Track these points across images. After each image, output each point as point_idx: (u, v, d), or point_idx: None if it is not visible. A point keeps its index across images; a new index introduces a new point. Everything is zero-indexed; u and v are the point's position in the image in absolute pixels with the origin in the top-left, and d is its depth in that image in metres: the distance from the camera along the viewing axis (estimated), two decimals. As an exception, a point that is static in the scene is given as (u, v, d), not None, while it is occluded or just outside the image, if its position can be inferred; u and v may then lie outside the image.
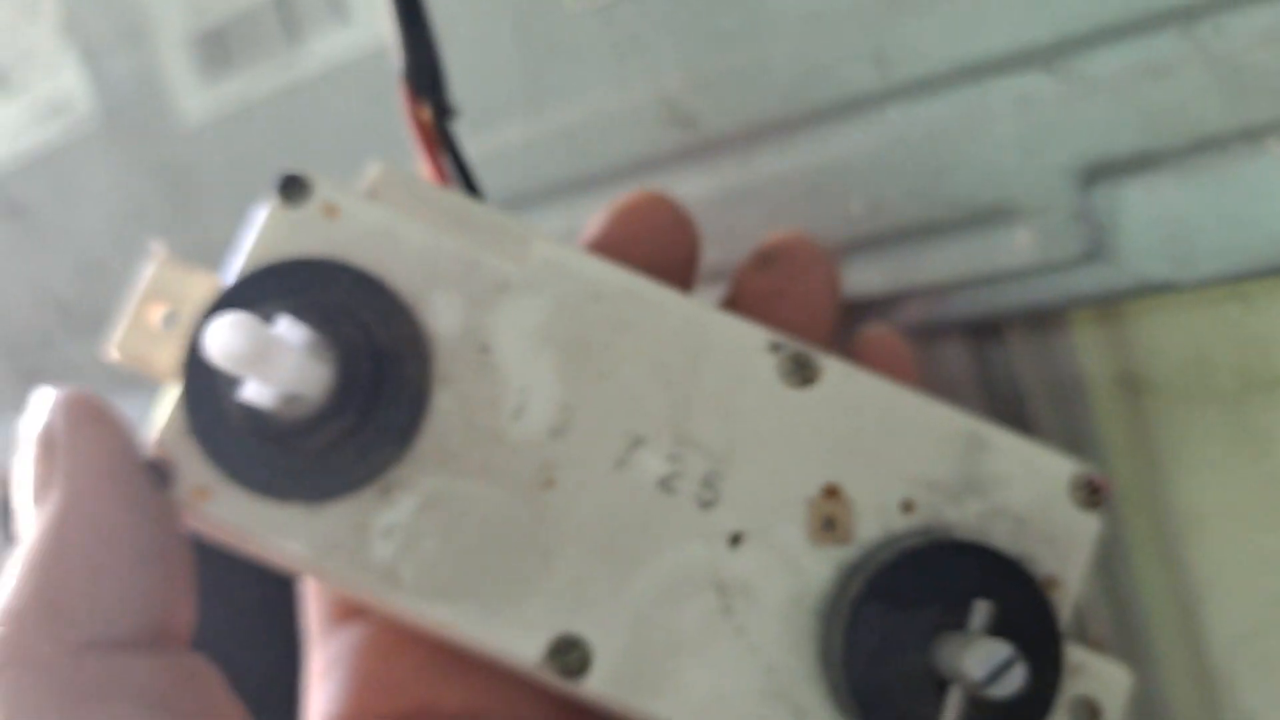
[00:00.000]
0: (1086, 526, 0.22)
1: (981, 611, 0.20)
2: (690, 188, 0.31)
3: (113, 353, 0.22)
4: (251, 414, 0.21)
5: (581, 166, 0.33)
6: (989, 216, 0.27)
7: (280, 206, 0.22)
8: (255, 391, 0.20)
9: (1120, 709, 0.22)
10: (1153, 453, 0.32)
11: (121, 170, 0.47)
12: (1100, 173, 0.25)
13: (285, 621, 0.30)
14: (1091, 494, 0.22)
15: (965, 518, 0.22)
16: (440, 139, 0.25)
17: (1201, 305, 0.29)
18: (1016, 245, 0.27)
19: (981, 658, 0.19)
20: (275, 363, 0.20)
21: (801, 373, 0.22)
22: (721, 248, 0.31)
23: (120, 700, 0.19)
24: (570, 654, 0.21)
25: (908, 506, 0.22)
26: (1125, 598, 0.34)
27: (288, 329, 0.20)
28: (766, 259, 0.26)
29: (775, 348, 0.23)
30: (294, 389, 0.20)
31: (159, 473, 0.21)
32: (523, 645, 0.21)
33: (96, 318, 0.55)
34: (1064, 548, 0.22)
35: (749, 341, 0.23)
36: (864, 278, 0.29)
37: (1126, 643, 0.34)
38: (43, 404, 0.21)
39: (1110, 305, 0.31)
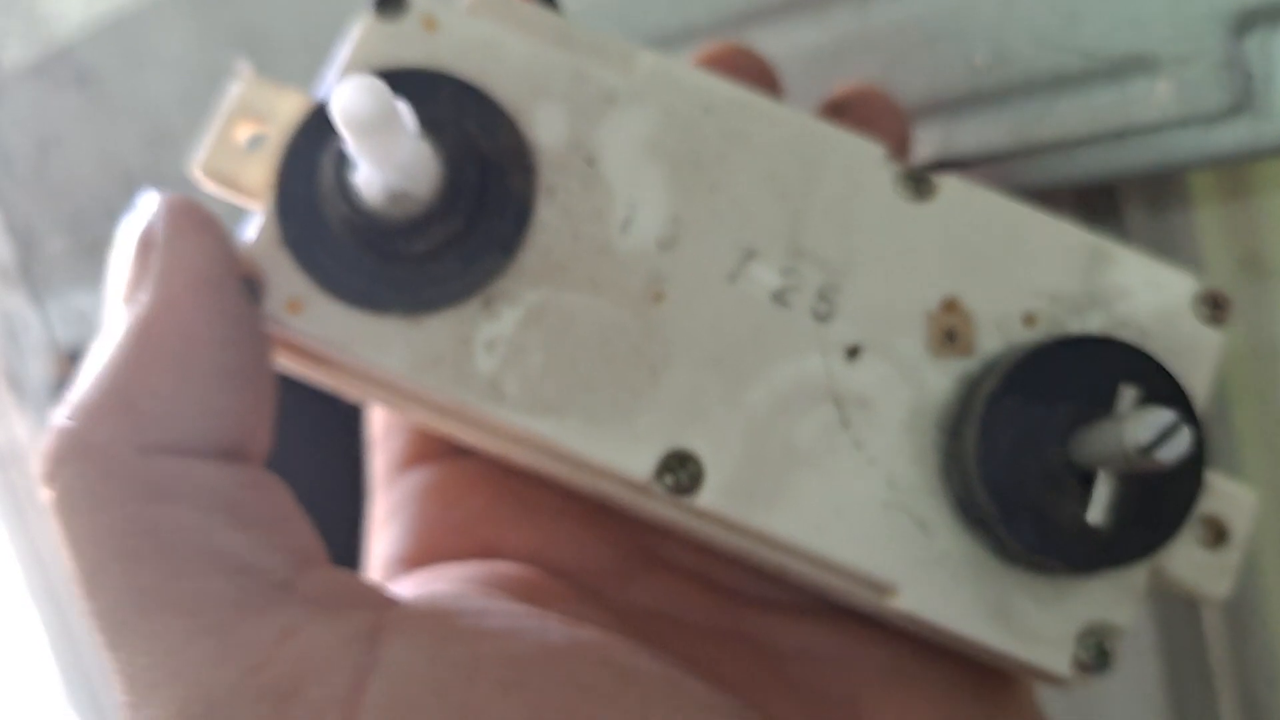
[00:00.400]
0: (1211, 340, 0.22)
1: (1129, 394, 0.20)
2: (802, 38, 0.30)
3: (196, 173, 0.22)
4: (352, 218, 0.20)
5: (687, 15, 0.31)
6: (1125, 67, 0.26)
7: (377, 19, 0.22)
8: (367, 177, 0.20)
9: (1247, 530, 0.21)
10: (1272, 341, 0.30)
11: (194, 35, 0.46)
12: (1255, 18, 0.24)
13: (354, 468, 0.29)
14: (1215, 309, 0.22)
15: (1088, 330, 0.21)
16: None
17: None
18: (1154, 97, 0.25)
19: (1146, 423, 0.18)
20: (395, 137, 0.19)
21: (918, 186, 0.22)
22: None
23: (184, 502, 0.18)
24: (681, 469, 0.20)
25: (1030, 319, 0.21)
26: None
27: (404, 109, 0.19)
28: (839, 108, 0.25)
29: (892, 160, 0.22)
30: (407, 175, 0.19)
31: (250, 286, 0.20)
32: (632, 460, 0.20)
33: (164, 190, 0.54)
34: (1188, 360, 0.21)
35: (865, 153, 0.22)
36: (984, 134, 0.28)
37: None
38: (147, 206, 0.20)
39: (1242, 173, 0.29)
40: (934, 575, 0.20)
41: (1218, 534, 0.21)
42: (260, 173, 0.21)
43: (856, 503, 0.20)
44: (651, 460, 0.20)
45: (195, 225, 0.20)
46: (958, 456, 0.20)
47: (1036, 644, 0.20)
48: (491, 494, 0.24)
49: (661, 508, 0.21)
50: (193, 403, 0.19)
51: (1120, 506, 0.19)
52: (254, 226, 0.21)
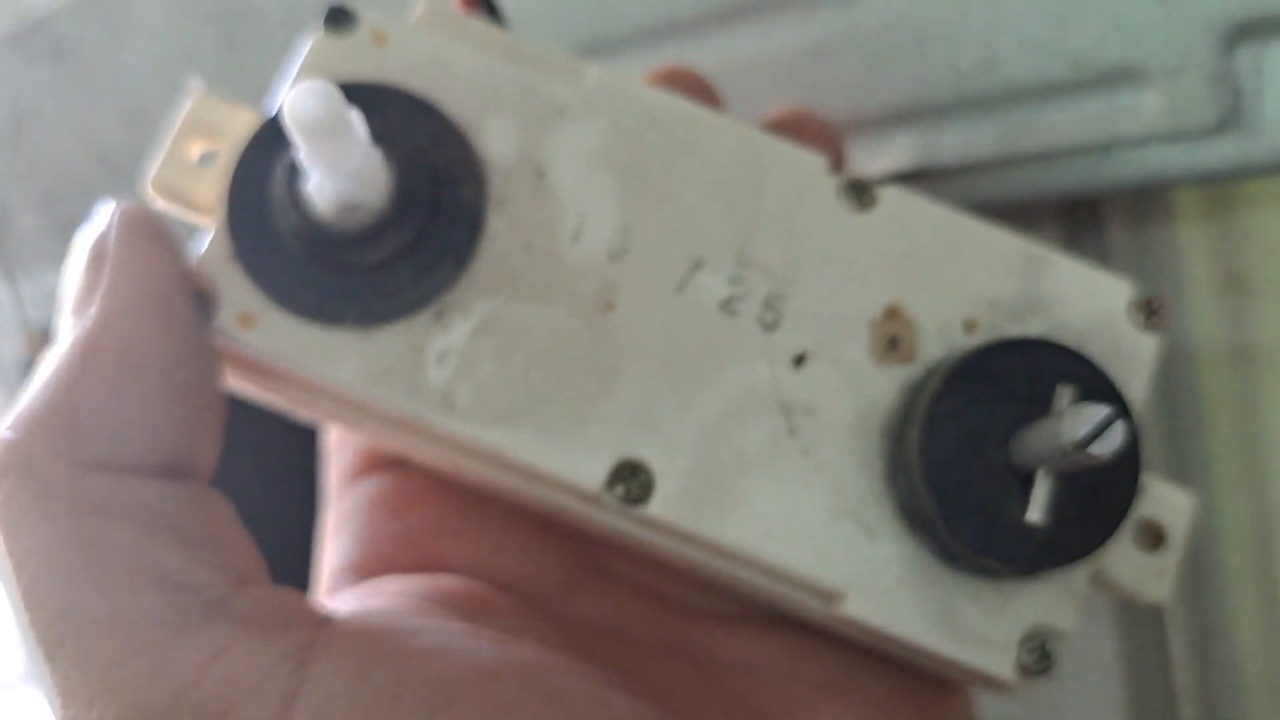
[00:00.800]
0: (1146, 345, 0.22)
1: (1066, 394, 0.20)
2: (787, 38, 0.29)
3: (149, 189, 0.22)
4: (304, 229, 0.20)
5: (672, 11, 0.31)
6: (1114, 77, 0.25)
7: (327, 35, 0.22)
8: (318, 185, 0.20)
9: (1184, 534, 0.22)
10: (1250, 364, 0.30)
11: (174, 9, 0.46)
12: (1248, 31, 0.23)
13: (307, 482, 0.29)
14: (1151, 315, 0.22)
15: (1027, 335, 0.22)
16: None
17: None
18: (1142, 110, 0.25)
19: (1083, 418, 0.18)
20: (346, 142, 0.19)
21: (859, 197, 0.22)
22: (817, 105, 0.29)
23: (121, 519, 0.18)
24: (632, 479, 0.20)
25: (970, 325, 0.22)
26: (1197, 516, 0.32)
27: (356, 117, 0.20)
28: (774, 130, 0.25)
29: (834, 171, 0.22)
30: (358, 183, 0.20)
31: (202, 301, 0.20)
32: (583, 471, 0.20)
33: (139, 168, 0.53)
34: (1125, 365, 0.22)
35: (809, 164, 0.22)
36: (967, 141, 0.27)
37: (1194, 563, 0.33)
38: (102, 215, 0.20)
39: (1226, 191, 0.29)
40: (880, 581, 0.20)
41: (1156, 537, 0.22)
42: (212, 189, 0.21)
43: (804, 510, 0.21)
44: (603, 470, 0.20)
45: (147, 238, 0.20)
46: (902, 460, 0.20)
47: (981, 648, 0.21)
48: (439, 505, 0.24)
49: (612, 518, 0.21)
50: (135, 420, 0.18)
51: (1060, 507, 0.20)
52: (206, 241, 0.21)
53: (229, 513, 0.20)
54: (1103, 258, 0.31)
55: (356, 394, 0.21)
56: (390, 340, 0.21)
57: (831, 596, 0.21)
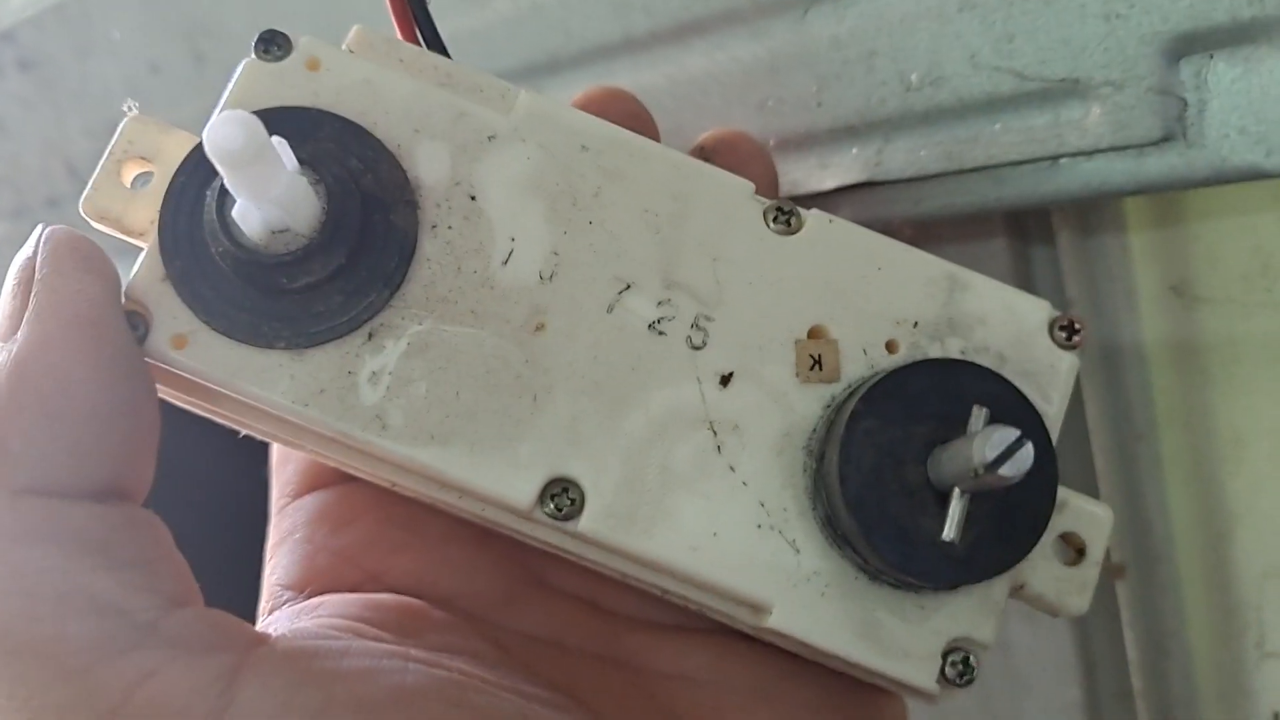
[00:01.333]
0: (1065, 363, 0.23)
1: (980, 415, 0.20)
2: (739, 53, 0.29)
3: (82, 210, 0.22)
4: (235, 252, 0.20)
5: (627, 27, 0.31)
6: (1059, 91, 0.25)
7: (259, 59, 0.22)
8: (243, 211, 0.20)
9: (1103, 547, 0.22)
10: (1200, 369, 0.30)
11: (141, 22, 0.46)
12: (1191, 44, 0.24)
13: (247, 500, 0.29)
14: (1070, 334, 0.23)
15: (948, 354, 0.22)
16: (413, 7, 0.24)
17: (1276, 207, 0.27)
18: (1087, 123, 0.25)
19: (992, 441, 0.19)
20: (269, 171, 0.19)
21: (785, 219, 0.23)
22: (769, 119, 0.29)
23: (50, 544, 0.18)
24: (563, 495, 0.21)
25: (891, 346, 0.22)
26: (1150, 520, 0.32)
27: (280, 145, 0.20)
28: (706, 153, 0.26)
29: (764, 193, 0.23)
30: (285, 210, 0.20)
31: (134, 322, 0.21)
32: (515, 488, 0.21)
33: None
34: (1045, 382, 0.22)
35: (735, 188, 0.23)
36: (916, 154, 0.28)
37: (1147, 569, 0.33)
38: (31, 239, 0.20)
39: (1175, 201, 0.29)
40: (804, 594, 0.21)
41: (1077, 551, 0.22)
42: (146, 211, 0.22)
43: (731, 525, 0.21)
44: (534, 488, 0.21)
45: (76, 263, 0.20)
46: (823, 476, 0.21)
47: (903, 660, 0.21)
48: (379, 521, 0.24)
49: (545, 534, 0.22)
50: (64, 445, 0.19)
51: (976, 524, 0.20)
52: (139, 263, 0.21)
53: (162, 533, 0.20)
54: (1054, 267, 0.31)
55: (289, 414, 0.21)
56: (322, 361, 0.21)
57: (757, 608, 0.21)
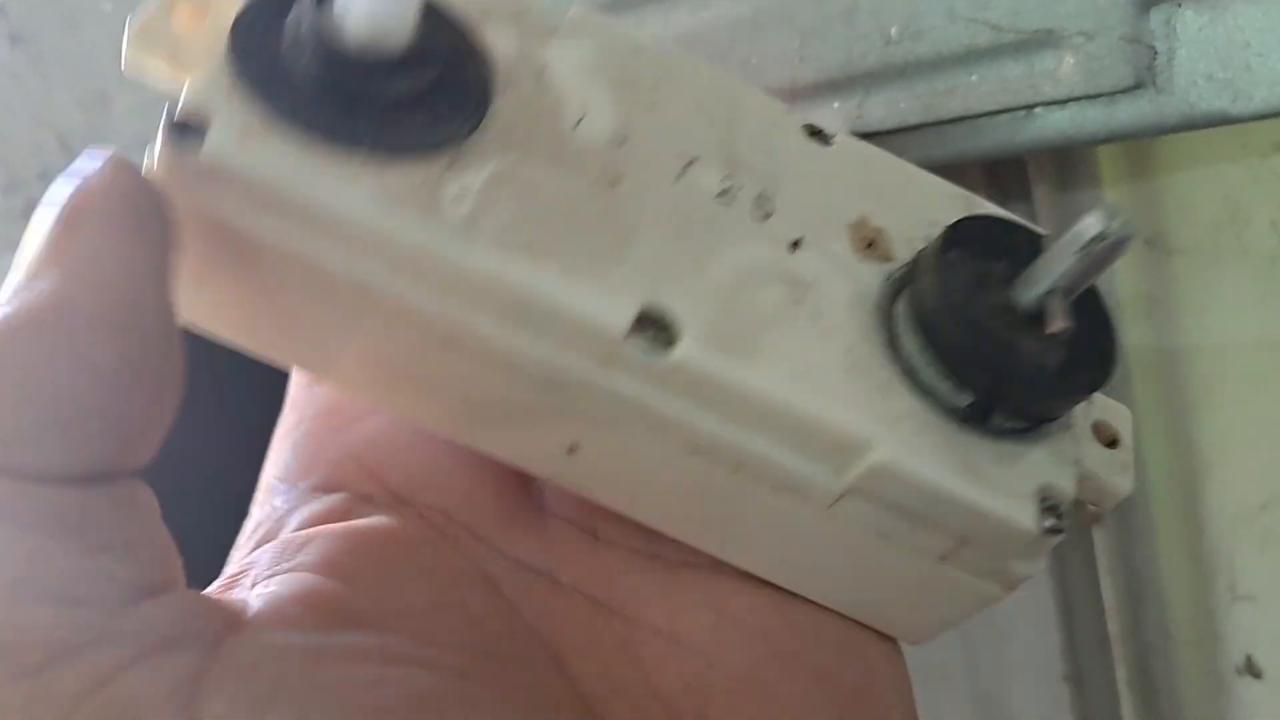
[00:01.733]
0: None
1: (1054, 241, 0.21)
2: (723, 9, 0.30)
3: (129, 50, 0.20)
4: (323, 55, 0.19)
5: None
6: (1033, 42, 0.26)
7: None
8: (344, 4, 0.19)
9: (1131, 436, 0.23)
10: (1173, 316, 0.31)
11: (131, -6, 0.46)
12: (1160, -8, 0.24)
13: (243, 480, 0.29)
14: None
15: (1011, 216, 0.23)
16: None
17: (1244, 156, 0.28)
18: (1060, 72, 0.26)
19: (1095, 217, 0.19)
20: None
21: (819, 134, 0.24)
22: (753, 76, 0.30)
23: (15, 527, 0.16)
24: (657, 327, 0.20)
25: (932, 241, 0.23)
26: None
27: None
28: None
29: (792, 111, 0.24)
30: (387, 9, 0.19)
31: (188, 131, 0.18)
32: (610, 312, 0.20)
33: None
34: None
35: (773, 103, 0.24)
36: (896, 107, 0.28)
37: (1122, 515, 0.34)
38: (89, 168, 0.18)
39: (1148, 152, 0.30)
40: (901, 432, 0.20)
41: (1110, 439, 0.23)
42: (204, 41, 0.20)
43: (823, 364, 0.21)
44: (630, 312, 0.20)
45: (129, 213, 0.18)
46: (914, 309, 0.21)
47: (1004, 497, 0.20)
48: (389, 420, 0.24)
49: (621, 382, 0.20)
50: (46, 425, 0.17)
51: (1058, 350, 0.20)
52: (203, 69, 0.19)
53: (147, 510, 0.18)
54: (1031, 219, 0.32)
55: (364, 228, 0.19)
56: (404, 174, 0.20)
57: (853, 450, 0.20)
